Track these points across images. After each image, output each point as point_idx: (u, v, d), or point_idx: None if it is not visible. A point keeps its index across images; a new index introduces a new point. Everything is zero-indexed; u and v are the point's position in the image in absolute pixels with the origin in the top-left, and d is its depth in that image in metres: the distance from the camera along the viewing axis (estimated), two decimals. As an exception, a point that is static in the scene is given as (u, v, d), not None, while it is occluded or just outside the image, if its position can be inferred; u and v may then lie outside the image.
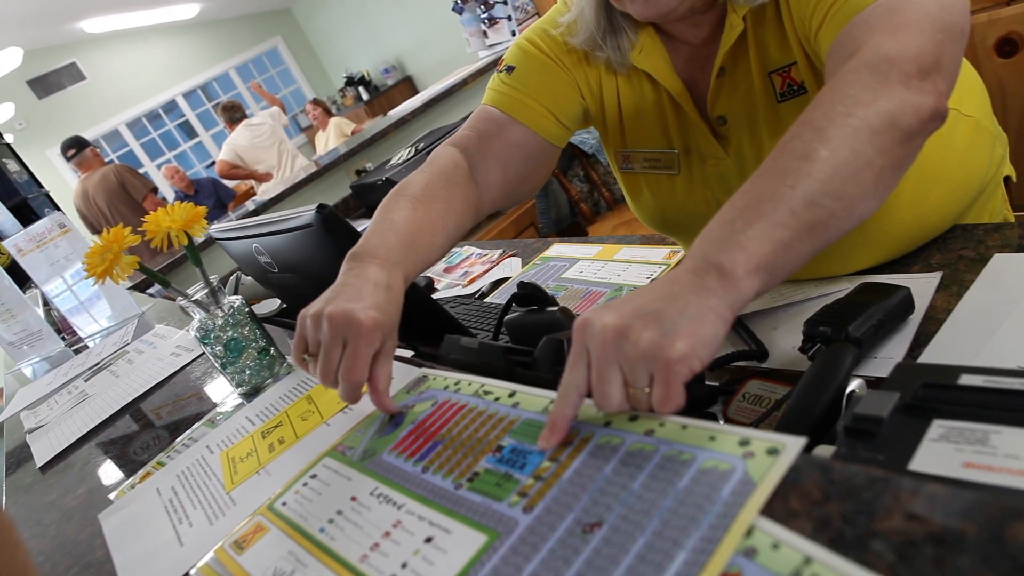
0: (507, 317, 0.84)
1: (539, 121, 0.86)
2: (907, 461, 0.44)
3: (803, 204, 0.49)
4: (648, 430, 0.44)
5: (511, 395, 0.56)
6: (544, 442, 0.47)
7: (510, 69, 0.88)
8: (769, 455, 0.37)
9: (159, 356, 1.29)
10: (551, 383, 0.59)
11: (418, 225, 0.73)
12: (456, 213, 0.79)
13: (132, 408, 1.09)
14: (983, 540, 0.28)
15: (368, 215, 2.66)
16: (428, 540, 0.45)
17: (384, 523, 0.49)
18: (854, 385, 0.58)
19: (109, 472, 0.89)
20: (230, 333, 0.85)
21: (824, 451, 0.52)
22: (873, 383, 0.63)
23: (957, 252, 0.79)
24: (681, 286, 0.46)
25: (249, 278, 1.34)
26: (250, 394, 0.88)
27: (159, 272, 0.86)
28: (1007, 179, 0.91)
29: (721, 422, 0.71)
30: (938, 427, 0.45)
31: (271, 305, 1.38)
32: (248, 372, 0.87)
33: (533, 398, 0.54)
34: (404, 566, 0.44)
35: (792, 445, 0.37)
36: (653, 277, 1.07)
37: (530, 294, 0.84)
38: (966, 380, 0.49)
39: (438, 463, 0.52)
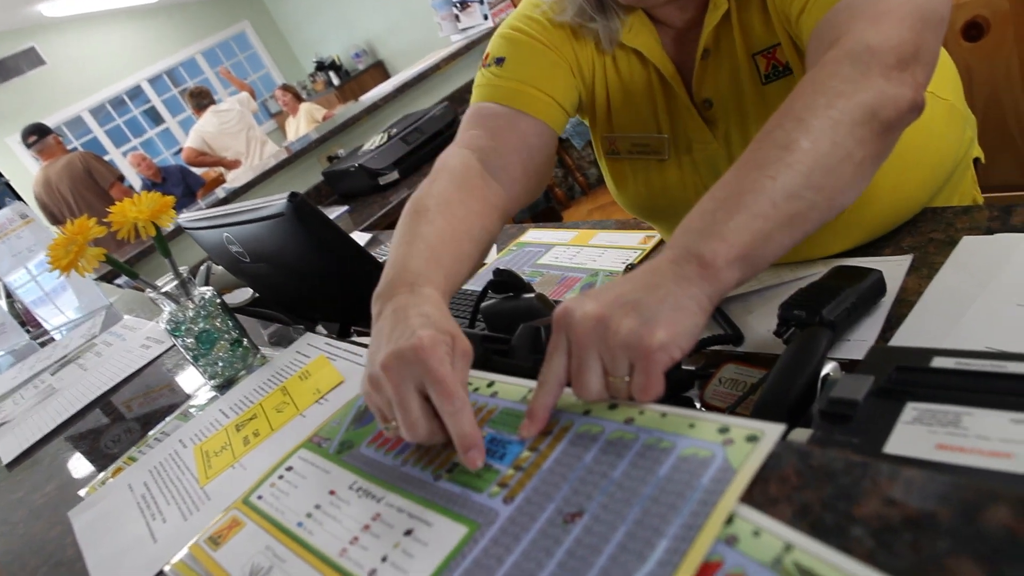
0: (483, 304, 0.84)
1: (545, 109, 0.81)
2: (882, 444, 0.44)
3: (784, 196, 0.49)
4: (628, 418, 0.44)
5: (489, 385, 0.56)
6: (524, 431, 0.47)
7: (500, 61, 0.83)
8: (748, 442, 0.37)
9: (128, 348, 1.27)
10: (529, 371, 0.59)
11: (439, 238, 0.65)
12: (479, 216, 0.72)
13: (102, 402, 1.07)
14: (959, 524, 0.28)
15: (341, 202, 2.63)
16: (408, 533, 0.44)
17: (363, 516, 0.48)
18: (828, 368, 0.59)
19: (79, 468, 0.87)
20: (201, 325, 0.83)
21: (800, 435, 0.52)
22: (847, 365, 0.64)
23: (927, 235, 0.80)
24: (661, 275, 0.46)
25: (220, 267, 1.32)
26: (223, 386, 0.87)
27: (127, 262, 0.84)
28: (976, 161, 0.92)
29: (698, 406, 0.71)
30: (912, 410, 0.46)
31: (244, 295, 1.36)
32: (221, 364, 0.86)
33: (511, 387, 0.54)
34: (384, 559, 0.43)
35: (771, 432, 0.37)
36: (629, 262, 1.07)
37: (506, 281, 0.83)
38: (938, 363, 0.49)
39: (417, 455, 0.52)
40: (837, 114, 0.51)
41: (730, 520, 0.33)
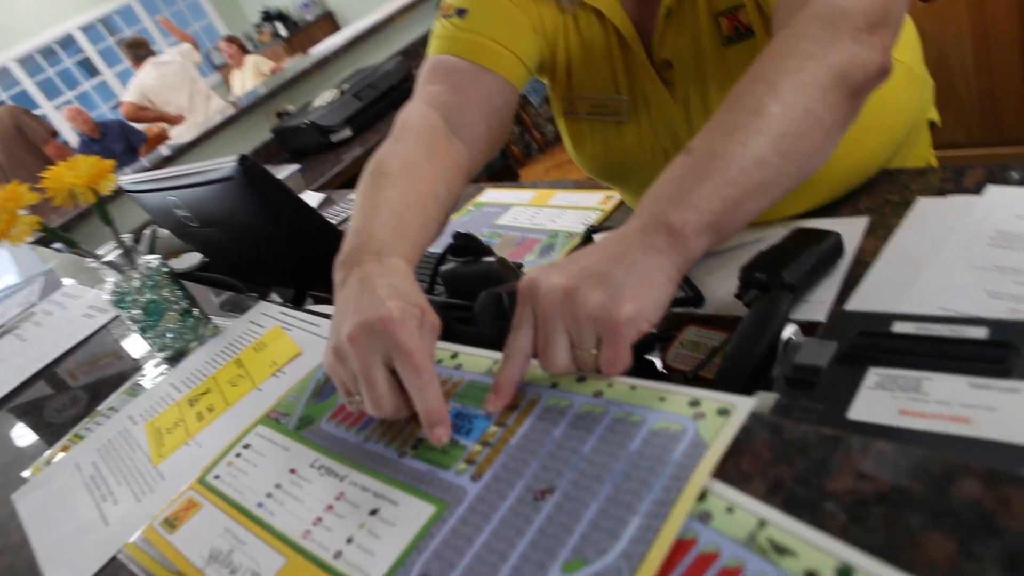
0: (442, 268, 0.82)
1: (508, 66, 0.78)
2: (845, 410, 0.45)
3: (754, 162, 0.48)
4: (596, 391, 0.43)
5: (453, 356, 0.54)
6: (490, 406, 0.46)
7: (462, 12, 0.79)
8: (719, 415, 0.37)
9: (70, 318, 1.21)
10: (491, 340, 0.58)
11: (405, 203, 0.63)
12: (445, 180, 0.70)
13: (43, 375, 1.03)
14: (930, 498, 0.28)
15: (291, 160, 2.54)
16: (374, 512, 0.43)
17: (326, 496, 0.47)
18: (789, 331, 0.59)
19: (21, 447, 0.83)
20: (148, 296, 0.80)
21: (764, 399, 0.53)
22: (806, 327, 0.65)
23: (883, 196, 0.81)
24: (629, 245, 0.45)
25: (166, 231, 1.26)
26: (174, 359, 0.84)
27: (65, 225, 0.79)
28: (931, 123, 0.93)
29: (658, 365, 0.72)
30: (874, 375, 0.46)
31: (192, 259, 1.31)
32: (170, 336, 0.82)
33: (476, 359, 0.53)
34: (350, 541, 0.42)
35: (742, 405, 0.37)
36: (588, 223, 1.06)
37: (465, 244, 0.82)
38: (899, 328, 0.50)
39: (380, 431, 0.50)
40: (808, 77, 0.51)
41: (703, 496, 0.33)
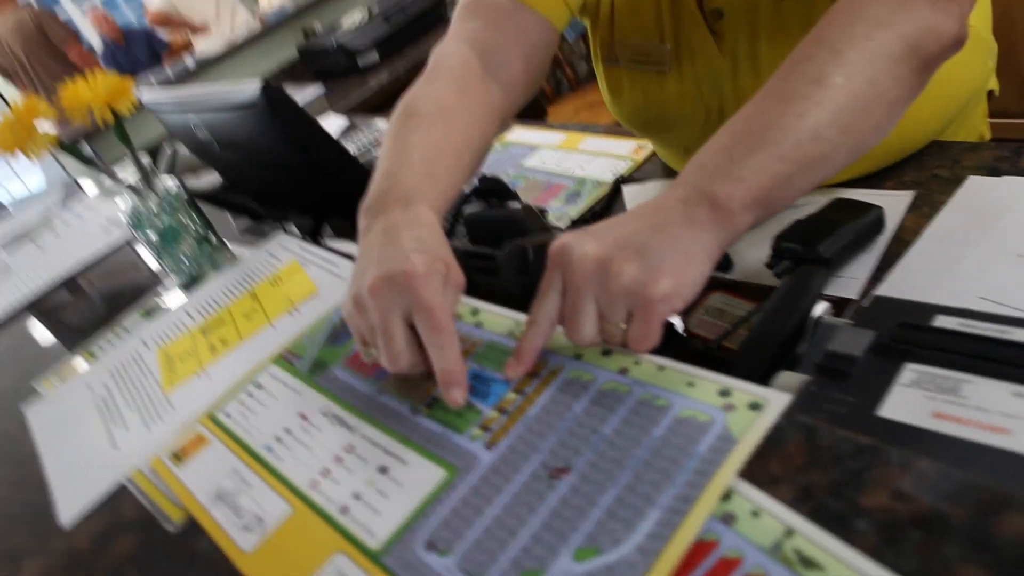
0: (466, 211, 0.80)
1: (550, 5, 0.74)
2: (876, 406, 0.43)
3: (809, 136, 0.45)
4: (622, 368, 0.42)
5: (474, 313, 0.53)
6: (510, 371, 0.45)
7: None
8: (751, 410, 0.35)
9: (90, 230, 1.21)
10: (515, 297, 0.56)
11: (436, 149, 0.60)
12: (479, 124, 0.66)
13: (60, 288, 1.03)
14: (972, 529, 0.27)
15: (317, 78, 2.48)
16: (383, 471, 0.43)
17: (335, 446, 0.46)
18: (820, 309, 0.57)
19: (34, 359, 0.84)
20: (164, 220, 0.78)
21: (789, 379, 0.51)
22: (836, 303, 0.62)
23: (932, 171, 0.77)
24: (669, 216, 0.43)
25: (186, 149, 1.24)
26: (190, 284, 0.83)
27: (91, 132, 0.77)
28: (990, 93, 0.88)
29: (679, 327, 0.70)
30: (910, 371, 0.44)
31: (212, 179, 1.29)
32: (186, 261, 0.81)
33: (498, 318, 0.51)
34: (357, 497, 0.42)
35: (776, 401, 0.35)
36: (618, 172, 1.03)
37: (491, 188, 0.79)
38: (941, 322, 0.48)
39: (395, 384, 0.49)
40: (876, 46, 0.47)
41: (727, 496, 0.32)
